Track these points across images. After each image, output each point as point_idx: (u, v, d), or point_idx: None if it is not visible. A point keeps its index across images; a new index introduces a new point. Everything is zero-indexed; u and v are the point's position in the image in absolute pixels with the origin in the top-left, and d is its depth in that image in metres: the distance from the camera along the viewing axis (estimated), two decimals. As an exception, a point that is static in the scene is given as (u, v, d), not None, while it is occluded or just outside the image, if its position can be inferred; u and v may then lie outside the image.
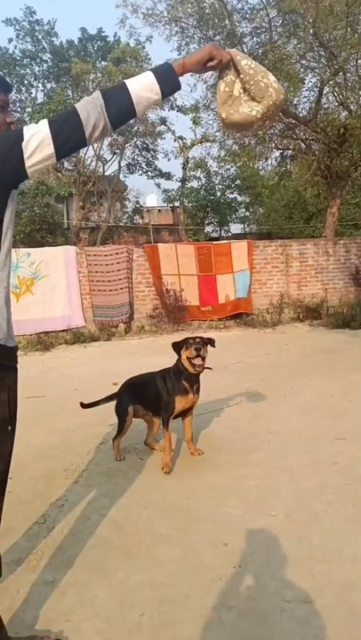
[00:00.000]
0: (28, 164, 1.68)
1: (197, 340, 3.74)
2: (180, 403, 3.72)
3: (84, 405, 4.25)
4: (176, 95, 19.68)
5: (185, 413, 3.86)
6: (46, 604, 2.30)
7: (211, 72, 2.01)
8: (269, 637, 2.05)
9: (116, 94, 1.75)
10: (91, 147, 19.49)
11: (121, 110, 1.75)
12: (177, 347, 3.77)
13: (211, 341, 3.89)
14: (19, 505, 3.21)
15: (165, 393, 3.80)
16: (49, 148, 1.68)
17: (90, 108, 1.71)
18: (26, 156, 1.66)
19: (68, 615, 2.22)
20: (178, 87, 1.83)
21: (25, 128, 1.70)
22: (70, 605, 2.29)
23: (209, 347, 3.84)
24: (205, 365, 3.70)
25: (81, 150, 19.31)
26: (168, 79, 1.79)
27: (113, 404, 4.14)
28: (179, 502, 3.20)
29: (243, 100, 1.98)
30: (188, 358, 3.64)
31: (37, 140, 1.66)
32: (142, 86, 1.76)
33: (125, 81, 1.78)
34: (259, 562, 2.55)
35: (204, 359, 3.63)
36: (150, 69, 1.83)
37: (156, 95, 1.78)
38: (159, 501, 3.23)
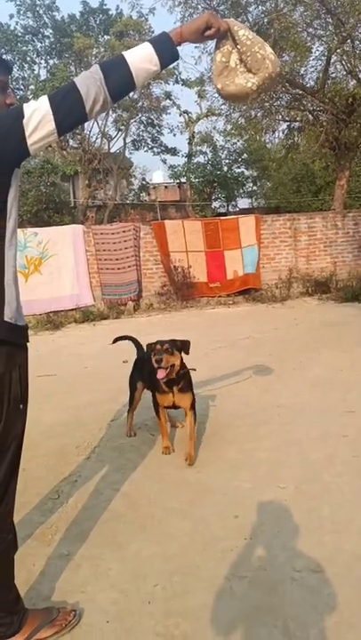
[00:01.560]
0: (29, 141, 1.67)
1: (165, 346, 3.29)
2: (160, 399, 3.53)
3: (115, 340, 4.59)
4: (180, 68, 19.39)
5: (178, 408, 3.62)
6: (62, 576, 2.36)
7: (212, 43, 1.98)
8: (280, 606, 2.09)
9: (115, 67, 1.74)
10: (95, 123, 19.33)
11: (121, 83, 1.74)
12: (149, 349, 3.45)
13: (185, 345, 3.42)
14: (32, 481, 3.27)
15: (153, 381, 3.55)
16: (50, 125, 1.66)
17: (89, 83, 1.69)
18: (27, 133, 1.65)
19: (84, 587, 2.28)
20: (176, 57, 1.82)
21: (25, 105, 1.68)
22: (85, 578, 2.34)
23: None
24: (191, 367, 3.51)
25: (86, 127, 19.17)
26: (166, 49, 1.77)
27: (122, 380, 4.19)
28: (190, 476, 3.24)
29: (239, 72, 1.96)
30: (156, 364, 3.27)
31: (38, 117, 1.65)
32: (141, 58, 1.74)
33: (123, 53, 1.76)
34: (269, 533, 2.59)
35: (167, 369, 3.23)
36: (148, 40, 1.81)
37: (155, 66, 1.76)
38: (170, 476, 3.28)
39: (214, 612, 2.09)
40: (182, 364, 3.45)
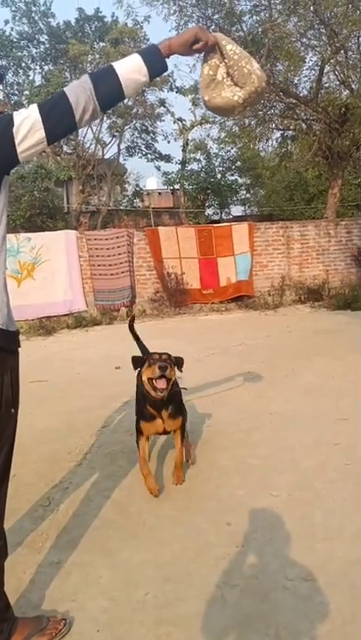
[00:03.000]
0: (19, 149, 1.68)
1: (164, 356, 2.99)
2: (145, 428, 3.09)
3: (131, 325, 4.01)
4: (175, 76, 19.48)
5: (167, 434, 3.26)
6: (52, 584, 2.34)
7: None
8: (272, 614, 2.08)
9: (105, 77, 1.76)
10: (90, 129, 19.35)
11: (110, 93, 1.76)
12: (137, 363, 3.09)
13: (178, 362, 3.11)
14: (23, 487, 3.25)
15: (136, 405, 3.24)
16: (40, 133, 1.68)
17: (79, 92, 1.71)
18: (17, 141, 1.66)
19: (74, 595, 2.26)
20: (165, 68, 1.85)
21: (15, 113, 1.69)
22: (76, 585, 2.32)
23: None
24: (182, 386, 3.18)
25: (80, 133, 19.19)
26: (155, 61, 1.81)
27: (113, 389, 4.16)
28: (182, 483, 3.23)
29: (226, 85, 1.98)
30: (149, 379, 2.92)
31: (28, 125, 1.66)
32: (130, 68, 1.77)
33: (113, 64, 1.79)
34: (261, 540, 2.58)
35: (169, 381, 2.91)
36: (137, 51, 1.84)
37: (143, 77, 1.79)
38: (162, 482, 3.26)
39: (206, 620, 2.07)
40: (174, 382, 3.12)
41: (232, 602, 2.17)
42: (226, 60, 1.96)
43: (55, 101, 1.71)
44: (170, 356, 3.04)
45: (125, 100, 18.23)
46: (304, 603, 2.14)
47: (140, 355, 3.26)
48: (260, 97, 2.06)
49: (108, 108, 1.86)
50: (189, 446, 3.32)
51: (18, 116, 1.68)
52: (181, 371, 3.14)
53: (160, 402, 2.98)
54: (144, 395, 3.03)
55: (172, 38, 1.85)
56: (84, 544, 2.65)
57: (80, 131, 19.04)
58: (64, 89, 1.74)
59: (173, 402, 3.08)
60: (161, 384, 2.87)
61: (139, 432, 3.12)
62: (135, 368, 3.09)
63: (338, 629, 1.99)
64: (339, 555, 2.43)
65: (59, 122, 1.70)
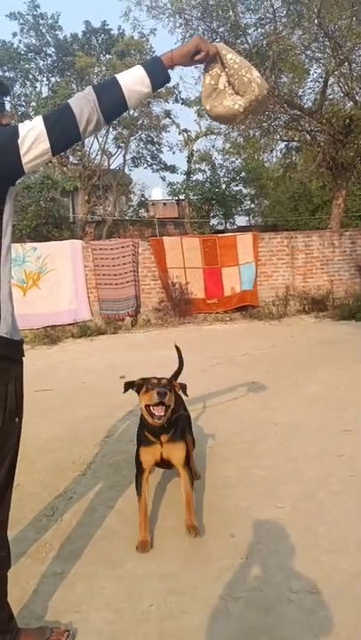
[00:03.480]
0: (24, 160, 1.71)
1: (163, 381, 2.76)
2: (144, 455, 2.81)
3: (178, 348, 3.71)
4: (180, 87, 19.63)
5: (170, 466, 2.91)
6: (55, 595, 2.33)
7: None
8: (276, 627, 2.07)
9: (108, 89, 1.80)
10: (96, 140, 19.50)
11: (113, 104, 1.79)
12: (132, 387, 2.83)
13: (183, 387, 2.92)
14: (27, 497, 3.25)
15: (137, 431, 2.96)
16: (44, 144, 1.71)
17: (83, 103, 1.74)
18: (22, 152, 1.69)
19: (77, 606, 2.25)
20: (167, 80, 1.88)
21: (20, 125, 1.72)
22: (79, 596, 2.32)
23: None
24: (180, 412, 2.88)
25: (86, 144, 19.34)
26: (157, 72, 1.84)
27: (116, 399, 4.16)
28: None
29: (227, 94, 2.01)
30: (146, 406, 2.69)
31: (33, 137, 1.70)
32: (133, 80, 1.81)
33: (116, 75, 1.82)
34: (266, 552, 2.57)
35: (168, 408, 2.67)
36: (140, 63, 1.87)
37: (146, 88, 1.83)
38: (166, 493, 3.26)
39: (210, 632, 2.06)
40: (178, 406, 2.87)
41: (236, 614, 2.16)
42: (227, 69, 1.98)
43: (60, 113, 1.75)
44: (170, 381, 2.83)
45: (131, 112, 18.43)
46: (308, 616, 2.12)
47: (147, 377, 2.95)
48: (262, 105, 2.08)
49: (113, 119, 1.89)
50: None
51: (23, 128, 1.71)
52: (187, 395, 3.00)
53: (159, 427, 2.72)
54: (142, 421, 2.84)
55: (174, 50, 1.88)
56: (87, 554, 2.64)
57: (86, 141, 19.21)
58: (68, 101, 1.77)
59: (176, 427, 2.80)
60: (159, 411, 2.64)
61: (138, 465, 2.81)
62: (125, 391, 2.83)
63: (342, 643, 1.97)
64: (343, 567, 2.42)
65: (63, 133, 1.73)
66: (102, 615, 2.19)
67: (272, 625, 2.09)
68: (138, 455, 2.83)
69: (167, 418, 2.70)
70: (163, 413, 2.65)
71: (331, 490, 3.19)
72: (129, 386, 2.83)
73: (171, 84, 17.61)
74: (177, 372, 3.58)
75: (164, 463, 2.86)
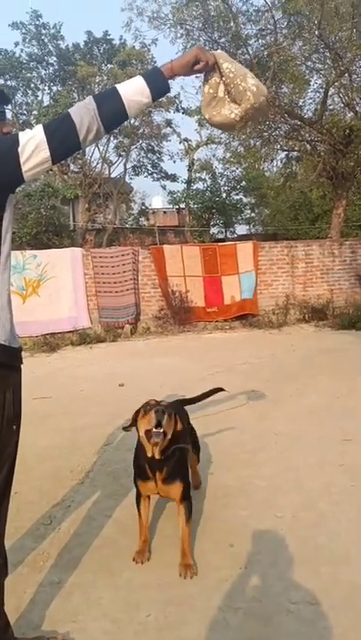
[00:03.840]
0: (24, 168, 1.71)
1: (162, 404, 2.56)
2: (142, 486, 2.69)
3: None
4: (181, 97, 19.73)
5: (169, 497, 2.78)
6: (53, 604, 2.31)
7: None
8: (275, 638, 2.05)
9: (108, 98, 1.80)
10: (97, 149, 19.58)
11: (113, 113, 1.80)
12: (134, 423, 2.64)
13: (180, 415, 2.74)
14: (25, 505, 3.23)
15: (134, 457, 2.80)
16: (44, 152, 1.71)
17: (83, 113, 1.75)
18: (22, 160, 1.70)
19: (75, 616, 2.23)
20: (167, 90, 1.90)
21: (20, 133, 1.73)
22: (77, 606, 2.29)
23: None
24: (180, 444, 2.65)
25: (87, 152, 19.42)
26: (157, 82, 1.85)
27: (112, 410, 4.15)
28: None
29: (226, 102, 2.02)
30: (147, 432, 2.48)
31: (33, 145, 1.70)
32: (133, 90, 1.81)
33: (116, 85, 1.83)
34: (265, 563, 2.55)
35: (165, 434, 2.45)
36: (140, 74, 1.89)
37: (146, 98, 1.84)
38: (165, 502, 3.23)
39: (208, 643, 2.04)
40: (178, 437, 2.62)
41: (234, 625, 2.13)
42: (224, 78, 2.00)
43: (60, 122, 1.76)
44: (169, 406, 2.61)
45: (132, 121, 18.52)
46: (308, 627, 2.10)
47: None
48: (260, 112, 2.09)
49: (113, 129, 1.90)
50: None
51: (23, 136, 1.72)
52: (187, 427, 2.88)
53: (155, 461, 2.52)
54: (139, 449, 2.67)
55: (174, 60, 1.89)
56: (85, 564, 2.62)
57: (87, 150, 19.30)
58: (69, 110, 1.78)
59: (171, 462, 2.57)
60: (158, 437, 2.42)
61: (137, 489, 2.71)
62: (130, 428, 2.66)
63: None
64: (344, 578, 2.40)
65: (63, 141, 1.74)
66: (100, 625, 2.17)
67: (271, 636, 2.06)
68: (135, 480, 2.71)
69: (164, 447, 2.49)
70: (158, 440, 2.43)
71: (331, 500, 3.17)
72: (132, 423, 2.63)
73: (172, 94, 17.74)
74: (191, 399, 3.50)
75: (162, 496, 2.79)
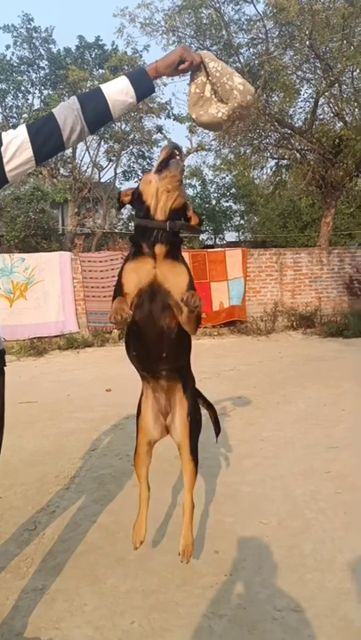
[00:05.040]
0: (7, 168, 1.69)
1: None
2: (129, 274, 2.10)
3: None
4: (173, 104, 19.80)
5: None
6: (35, 611, 2.28)
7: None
8: (260, 646, 2.04)
9: (92, 98, 1.79)
10: (87, 153, 19.55)
11: (97, 113, 1.79)
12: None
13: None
14: (9, 511, 3.20)
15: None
16: (27, 152, 1.70)
17: (67, 113, 1.74)
18: (5, 160, 1.68)
19: (58, 623, 2.20)
20: (152, 90, 1.90)
21: (3, 133, 1.72)
22: (60, 613, 2.27)
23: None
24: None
25: (77, 157, 19.41)
26: (142, 83, 1.84)
27: (102, 410, 4.13)
28: (171, 509, 3.19)
29: (213, 101, 2.02)
30: (160, 164, 2.01)
31: (16, 145, 1.69)
32: (117, 90, 1.80)
33: (101, 85, 1.83)
34: (250, 570, 2.54)
35: (182, 171, 2.06)
36: (125, 74, 1.88)
37: (130, 98, 1.82)
38: (151, 508, 3.21)
39: (192, 651, 2.03)
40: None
41: (219, 632, 2.12)
42: (210, 78, 1.99)
43: (43, 122, 1.74)
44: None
45: (123, 126, 18.57)
46: (293, 635, 2.09)
47: None
48: (249, 110, 2.08)
49: (97, 129, 1.89)
50: (189, 532, 2.26)
51: (6, 137, 1.70)
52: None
53: (159, 233, 2.03)
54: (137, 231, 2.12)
55: (159, 61, 1.88)
56: (69, 570, 2.60)
57: (77, 154, 19.29)
58: (53, 110, 1.77)
59: (177, 244, 2.13)
60: (176, 166, 1.99)
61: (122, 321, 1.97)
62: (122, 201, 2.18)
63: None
64: (329, 586, 2.39)
65: (47, 141, 1.73)
66: (83, 632, 2.14)
67: None
68: (120, 289, 2.08)
69: (175, 204, 2.04)
70: (179, 169, 1.99)
71: (317, 507, 3.17)
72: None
73: (163, 100, 17.79)
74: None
75: (161, 373, 2.22)
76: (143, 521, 2.39)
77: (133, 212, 2.19)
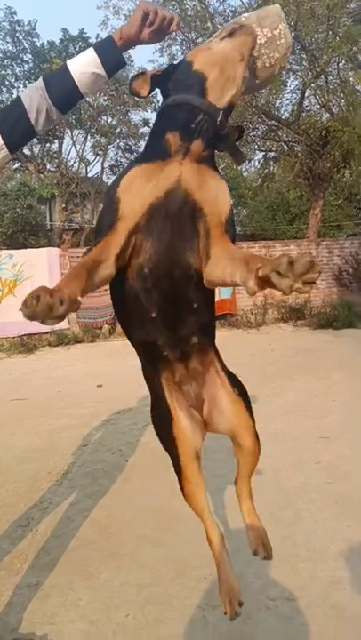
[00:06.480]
0: None
1: None
2: (140, 178, 1.44)
3: None
4: (159, 97, 19.72)
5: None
6: (30, 606, 2.29)
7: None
8: (253, 635, 2.06)
9: (57, 76, 1.71)
10: (74, 148, 19.44)
11: (63, 91, 1.70)
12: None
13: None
14: (2, 508, 3.20)
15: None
16: None
17: (32, 95, 1.68)
18: None
19: (53, 617, 2.21)
20: (120, 59, 1.71)
21: None
22: (54, 608, 2.28)
23: None
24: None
25: (64, 151, 19.29)
26: (109, 51, 1.68)
27: (95, 405, 4.13)
28: (163, 503, 3.20)
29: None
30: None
31: None
32: (83, 63, 1.69)
33: (68, 61, 1.73)
34: (243, 561, 2.56)
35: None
36: (92, 45, 1.74)
37: (97, 69, 1.68)
38: (144, 502, 3.23)
39: (187, 642, 2.04)
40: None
41: (213, 623, 2.14)
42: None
43: (11, 107, 1.70)
44: None
45: (110, 120, 18.47)
46: (286, 623, 2.12)
47: None
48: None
49: (66, 108, 1.77)
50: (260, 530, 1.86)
51: None
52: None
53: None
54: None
55: (124, 25, 1.72)
56: (63, 565, 2.60)
57: (63, 148, 19.17)
58: (20, 94, 1.72)
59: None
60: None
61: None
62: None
63: (320, 650, 1.97)
64: (321, 575, 2.42)
65: (15, 127, 1.68)
66: (78, 626, 2.15)
67: (249, 632, 2.08)
68: (111, 216, 1.38)
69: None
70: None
71: (308, 498, 3.19)
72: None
73: (124, 66, 17.65)
74: None
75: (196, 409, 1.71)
76: (229, 576, 1.72)
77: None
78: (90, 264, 1.32)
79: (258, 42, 1.48)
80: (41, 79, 1.71)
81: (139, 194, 1.34)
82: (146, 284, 1.41)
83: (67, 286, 1.19)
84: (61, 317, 1.11)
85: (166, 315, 1.47)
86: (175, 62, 1.52)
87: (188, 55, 1.50)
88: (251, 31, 1.45)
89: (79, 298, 1.19)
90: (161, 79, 1.49)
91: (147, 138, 1.56)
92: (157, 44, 13.09)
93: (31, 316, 1.10)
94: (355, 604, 2.21)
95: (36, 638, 2.05)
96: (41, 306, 1.08)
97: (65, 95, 1.71)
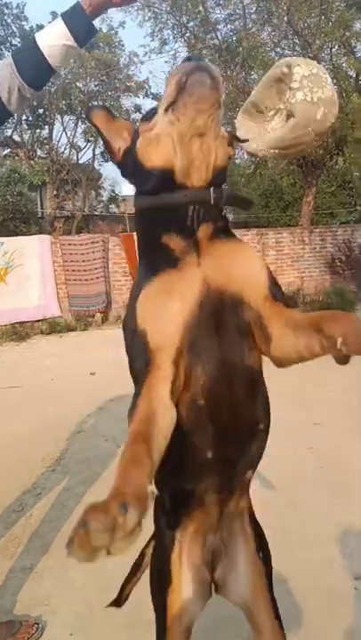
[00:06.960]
0: None
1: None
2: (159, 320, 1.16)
3: None
4: (151, 82, 19.54)
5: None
6: (24, 589, 2.31)
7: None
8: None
9: (26, 51, 1.67)
10: (64, 134, 19.26)
11: (33, 66, 1.63)
12: None
13: None
14: (-5, 493, 3.21)
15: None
16: None
17: (3, 73, 1.62)
18: None
19: (47, 599, 2.23)
20: (90, 27, 1.63)
21: None
22: (48, 590, 2.30)
23: None
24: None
25: (54, 138, 19.11)
26: (77, 20, 1.60)
27: (91, 392, 4.13)
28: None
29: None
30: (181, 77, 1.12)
31: None
32: (52, 36, 1.62)
33: (36, 34, 1.67)
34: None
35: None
36: (60, 14, 1.64)
37: (67, 40, 1.61)
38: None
39: (180, 623, 2.06)
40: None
41: (207, 606, 2.16)
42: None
43: None
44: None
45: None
46: (279, 605, 2.14)
47: None
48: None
49: (39, 84, 1.70)
50: None
51: None
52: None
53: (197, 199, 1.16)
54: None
55: None
56: (56, 549, 2.62)
57: (54, 135, 18.99)
58: None
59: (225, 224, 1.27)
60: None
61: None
62: None
63: (313, 633, 2.00)
64: (314, 560, 2.45)
65: None
66: (72, 608, 2.18)
67: (242, 615, 2.10)
68: (142, 352, 1.11)
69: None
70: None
71: (302, 484, 3.22)
72: None
73: (141, 79, 17.51)
74: None
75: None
76: None
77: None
78: (143, 427, 0.95)
79: (300, 73, 1.20)
80: (10, 57, 1.65)
81: (166, 316, 1.07)
82: (200, 419, 1.10)
83: (126, 481, 0.80)
84: (135, 530, 0.75)
85: (225, 451, 1.16)
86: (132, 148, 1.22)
87: (137, 143, 1.21)
88: (203, 90, 1.10)
89: (150, 488, 0.82)
90: (124, 159, 1.26)
91: (136, 239, 1.35)
92: (148, 28, 12.88)
93: (89, 558, 0.73)
94: (344, 584, 2.24)
95: (30, 620, 2.07)
96: (96, 535, 0.72)
97: (36, 71, 1.64)
